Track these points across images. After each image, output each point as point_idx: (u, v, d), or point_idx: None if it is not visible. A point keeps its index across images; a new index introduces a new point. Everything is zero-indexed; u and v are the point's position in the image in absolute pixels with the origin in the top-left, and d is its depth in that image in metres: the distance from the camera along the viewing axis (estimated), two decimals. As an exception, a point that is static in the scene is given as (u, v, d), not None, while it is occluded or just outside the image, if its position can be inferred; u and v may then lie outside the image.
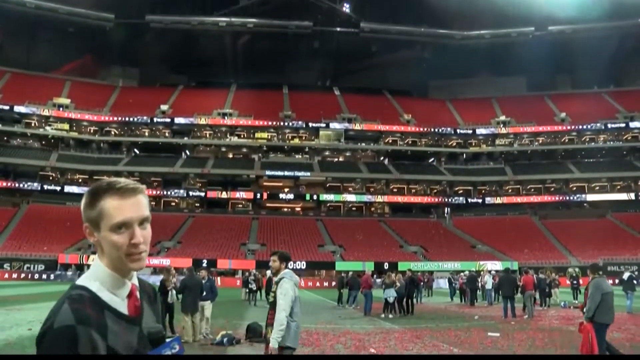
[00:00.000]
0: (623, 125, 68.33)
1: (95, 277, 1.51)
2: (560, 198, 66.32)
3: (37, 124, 66.10)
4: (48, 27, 73.51)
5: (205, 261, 45.28)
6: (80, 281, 1.52)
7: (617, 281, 28.59)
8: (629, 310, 18.40)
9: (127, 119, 67.92)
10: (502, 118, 72.14)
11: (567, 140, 70.09)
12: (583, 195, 66.11)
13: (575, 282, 23.22)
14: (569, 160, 68.68)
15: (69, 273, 47.32)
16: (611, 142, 68.49)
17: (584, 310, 8.30)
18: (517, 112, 71.41)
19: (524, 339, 11.76)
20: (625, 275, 19.75)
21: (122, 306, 1.51)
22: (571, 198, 66.14)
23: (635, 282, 20.55)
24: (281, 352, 5.02)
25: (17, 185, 61.20)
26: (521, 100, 74.96)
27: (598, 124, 68.57)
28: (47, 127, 66.12)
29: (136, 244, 1.47)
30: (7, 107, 63.34)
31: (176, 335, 1.40)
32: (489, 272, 27.77)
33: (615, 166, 66.03)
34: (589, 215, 63.35)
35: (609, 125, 68.47)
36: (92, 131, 68.54)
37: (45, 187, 61.84)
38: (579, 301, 22.02)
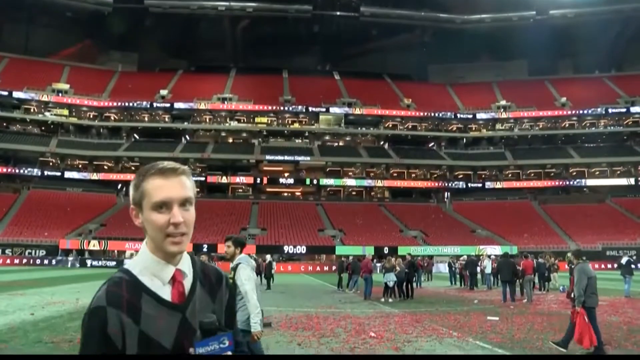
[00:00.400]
0: (624, 110, 68.16)
1: (139, 261, 1.53)
2: (560, 183, 66.39)
3: (36, 110, 65.94)
4: (46, 12, 73.05)
5: (205, 246, 45.50)
6: (126, 264, 1.55)
7: (615, 266, 28.71)
8: (626, 295, 18.49)
9: (126, 104, 67.79)
10: (503, 103, 71.98)
11: (567, 125, 70.05)
12: (583, 180, 66.13)
13: (573, 266, 23.16)
14: (569, 145, 68.64)
15: (70, 258, 47.57)
16: (612, 127, 68.36)
17: (572, 296, 8.49)
18: (517, 97, 71.25)
19: (523, 323, 11.84)
20: (624, 260, 19.80)
21: (165, 291, 1.49)
22: (571, 183, 66.18)
23: (633, 266, 20.62)
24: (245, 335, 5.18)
25: (17, 171, 61.17)
26: (522, 85, 74.79)
27: (599, 109, 68.42)
28: (47, 113, 65.99)
29: (176, 223, 1.45)
30: (5, 93, 63.16)
31: (230, 330, 1.30)
32: (489, 256, 27.84)
33: (616, 151, 66.00)
34: (588, 200, 63.46)
35: (610, 110, 68.30)
36: (91, 116, 68.35)
37: (46, 172, 61.89)
38: None
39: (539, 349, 8.65)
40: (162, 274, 1.50)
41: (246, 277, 5.24)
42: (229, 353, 1.40)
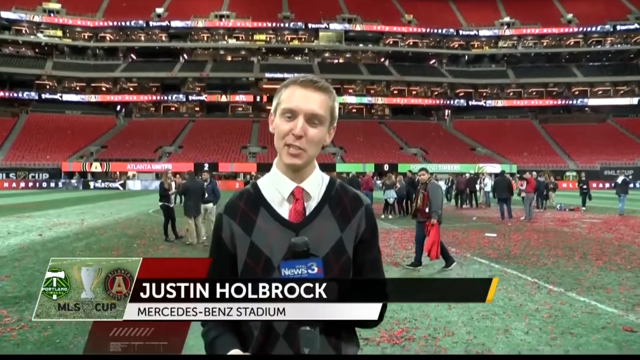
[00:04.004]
0: (634, 27, 65.87)
1: (267, 175, 1.56)
2: (562, 102, 65.87)
3: (27, 31, 64.26)
4: None
5: (206, 165, 45.76)
6: (259, 179, 1.59)
7: (612, 185, 28.93)
8: (620, 212, 18.87)
9: (121, 23, 66.03)
10: (507, 19, 70.05)
11: (572, 43, 68.43)
12: (585, 100, 65.56)
13: (585, 186, 22.90)
14: (572, 64, 67.47)
15: (74, 181, 48.02)
16: (619, 45, 66.60)
17: (427, 210, 8.53)
18: (522, 13, 69.27)
19: (520, 240, 12.13)
20: (620, 179, 19.91)
21: (284, 208, 1.48)
22: (573, 102, 65.62)
23: (631, 185, 20.76)
24: None
25: (14, 94, 60.58)
26: (527, 0, 72.37)
27: (607, 26, 66.41)
28: (39, 34, 64.32)
29: (295, 134, 1.42)
30: (-7, 13, 61.34)
31: (317, 257, 1.25)
32: (489, 174, 27.93)
33: (620, 70, 64.99)
34: (589, 120, 63.24)
35: (618, 27, 66.18)
36: (86, 37, 66.80)
37: (43, 96, 61.30)
38: (585, 206, 22.02)
39: (533, 264, 8.90)
40: (282, 189, 1.49)
41: None
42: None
